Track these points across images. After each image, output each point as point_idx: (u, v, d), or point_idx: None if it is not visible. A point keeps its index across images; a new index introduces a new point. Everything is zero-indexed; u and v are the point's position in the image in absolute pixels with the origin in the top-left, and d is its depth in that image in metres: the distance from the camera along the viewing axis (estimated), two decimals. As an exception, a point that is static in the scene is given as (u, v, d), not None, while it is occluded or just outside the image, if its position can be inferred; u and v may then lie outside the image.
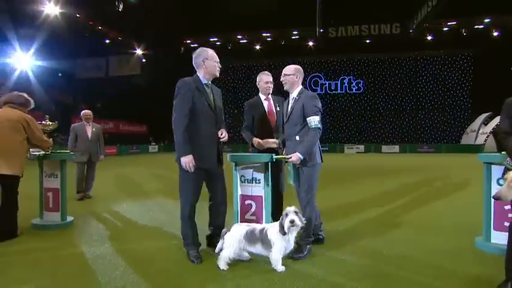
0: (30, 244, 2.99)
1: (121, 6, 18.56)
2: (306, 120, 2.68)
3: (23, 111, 3.30)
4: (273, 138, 3.21)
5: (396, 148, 26.77)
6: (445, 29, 25.51)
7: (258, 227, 2.54)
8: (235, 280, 2.21)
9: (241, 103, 32.31)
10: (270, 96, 3.37)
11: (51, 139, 3.52)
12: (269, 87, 3.32)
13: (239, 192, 2.90)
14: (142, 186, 6.97)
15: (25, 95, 3.44)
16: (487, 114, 25.97)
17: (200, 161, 2.55)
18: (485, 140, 25.74)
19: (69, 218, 3.71)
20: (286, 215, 2.37)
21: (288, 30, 26.38)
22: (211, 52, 2.69)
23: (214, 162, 2.67)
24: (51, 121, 3.77)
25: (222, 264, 2.39)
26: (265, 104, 3.35)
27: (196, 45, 28.65)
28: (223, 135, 2.66)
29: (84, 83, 26.08)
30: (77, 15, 19.75)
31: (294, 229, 2.35)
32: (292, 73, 2.82)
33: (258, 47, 28.90)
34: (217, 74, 2.73)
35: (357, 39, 26.24)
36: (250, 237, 2.45)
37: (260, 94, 3.38)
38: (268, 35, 27.22)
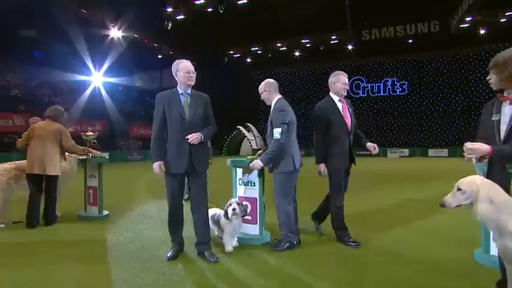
0: (75, 230, 3.89)
1: (170, 25, 21.10)
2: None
3: (59, 122, 4.18)
4: (349, 141, 3.20)
5: (445, 152, 25.10)
6: (502, 20, 23.24)
7: (217, 212, 3.17)
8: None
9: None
10: (343, 98, 3.31)
11: (89, 147, 4.49)
12: (346, 88, 3.26)
13: (238, 194, 3.33)
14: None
15: (61, 108, 4.32)
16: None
17: (171, 167, 2.77)
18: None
19: (105, 212, 4.55)
20: (230, 204, 2.99)
21: (326, 35, 26.68)
22: (182, 64, 2.82)
23: (184, 168, 2.76)
24: (92, 132, 4.81)
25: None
26: (340, 105, 3.24)
27: (239, 55, 30.58)
28: (191, 138, 2.72)
29: (141, 94, 29.60)
30: (135, 35, 22.84)
31: (235, 216, 2.97)
32: (262, 90, 3.16)
33: (297, 54, 29.68)
34: (190, 83, 2.82)
35: (398, 40, 25.42)
36: (213, 222, 3.14)
37: (332, 95, 3.27)
38: (307, 41, 27.82)
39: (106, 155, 4.73)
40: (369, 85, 30.74)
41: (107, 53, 21.41)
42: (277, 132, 2.94)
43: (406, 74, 29.58)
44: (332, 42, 27.36)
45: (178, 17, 22.01)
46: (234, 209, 2.96)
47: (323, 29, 25.32)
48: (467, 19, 22.71)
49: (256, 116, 33.25)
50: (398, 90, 30.06)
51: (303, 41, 27.83)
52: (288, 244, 3.07)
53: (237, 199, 3.13)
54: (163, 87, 30.44)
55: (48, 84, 20.43)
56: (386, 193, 6.86)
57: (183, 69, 2.81)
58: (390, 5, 21.70)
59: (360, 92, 30.86)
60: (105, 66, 21.97)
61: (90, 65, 21.56)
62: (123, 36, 21.41)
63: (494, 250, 2.58)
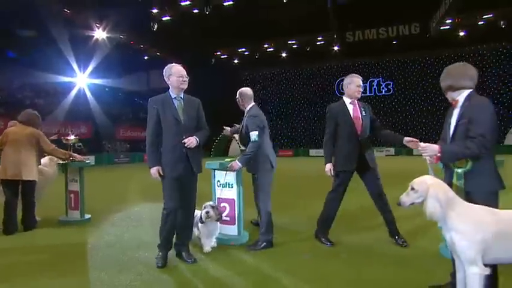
0: (54, 234, 3.94)
1: (156, 26, 20.97)
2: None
3: (35, 127, 4.10)
4: (358, 145, 3.17)
5: (429, 150, 25.76)
6: (480, 23, 24.14)
7: (197, 213, 3.14)
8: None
9: (271, 110, 33.49)
10: (356, 100, 3.29)
11: (71, 150, 4.47)
12: (360, 91, 3.26)
13: (217, 196, 3.44)
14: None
15: (35, 112, 4.23)
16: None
17: (169, 170, 2.77)
18: (532, 140, 23.79)
19: (87, 216, 4.52)
20: (205, 207, 3.07)
21: (312, 36, 27.02)
22: (175, 68, 2.84)
23: (181, 171, 2.78)
24: (74, 136, 4.76)
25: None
26: (351, 108, 3.24)
27: (226, 56, 30.61)
28: (188, 142, 2.75)
29: (128, 95, 29.28)
30: (121, 36, 22.59)
31: (209, 219, 3.05)
32: (237, 98, 3.44)
33: (284, 55, 29.93)
34: (183, 87, 2.85)
35: (381, 41, 26.07)
36: (195, 223, 3.15)
37: (345, 98, 3.29)
38: (294, 42, 28.09)
39: (89, 159, 4.64)
40: (355, 85, 31.25)
41: (92, 54, 21.11)
42: (254, 135, 3.13)
43: (391, 74, 30.25)
44: (318, 43, 27.71)
45: (164, 18, 21.89)
46: (207, 212, 3.04)
47: (309, 30, 25.65)
48: (448, 21, 23.48)
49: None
50: (383, 90, 30.70)
51: (289, 42, 28.09)
52: (265, 243, 3.20)
53: (211, 203, 3.19)
54: (151, 89, 30.26)
55: (31, 86, 19.99)
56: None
57: (176, 74, 2.82)
58: (372, 8, 22.26)
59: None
60: (90, 67, 21.67)
61: (75, 66, 21.20)
62: (108, 37, 21.14)
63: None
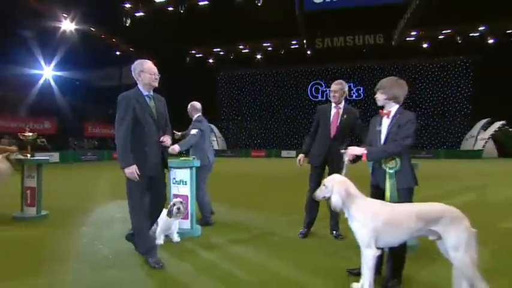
0: (5, 230, 3.97)
1: (128, 21, 20.52)
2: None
3: None
4: (329, 145, 3.46)
5: (394, 153, 27.18)
6: (441, 37, 26.01)
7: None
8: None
9: (245, 111, 33.78)
10: (340, 105, 3.53)
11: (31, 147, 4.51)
12: (333, 96, 3.52)
13: (172, 192, 3.66)
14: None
15: None
16: (485, 120, 26.12)
17: (145, 169, 2.68)
18: (484, 146, 25.86)
19: (44, 212, 4.48)
20: (174, 204, 3.26)
21: (287, 39, 27.64)
22: (147, 65, 2.75)
23: (159, 169, 2.82)
24: (31, 132, 4.67)
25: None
26: (333, 111, 3.53)
27: (201, 55, 30.50)
28: (165, 140, 2.79)
29: (99, 91, 28.34)
30: (91, 29, 21.86)
31: (179, 214, 3.27)
32: (188, 109, 4.33)
33: (259, 56, 30.33)
34: (155, 85, 2.78)
35: (349, 48, 27.44)
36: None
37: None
38: (269, 44, 28.56)
39: (29, 155, 4.55)
40: (328, 89, 32.19)
41: (59, 46, 20.20)
42: (194, 131, 4.05)
43: (361, 80, 31.53)
44: (292, 47, 28.37)
45: (137, 14, 21.47)
46: (178, 208, 3.25)
47: (283, 34, 26.22)
48: (413, 33, 25.07)
49: (219, 117, 33.40)
50: (354, 95, 31.92)
51: (264, 44, 28.53)
52: (205, 222, 4.06)
53: (179, 199, 3.38)
54: (123, 85, 29.45)
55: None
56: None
57: (148, 70, 2.73)
58: (338, 17, 23.37)
59: (319, 96, 32.30)
60: (56, 60, 20.75)
61: (40, 58, 20.24)
62: (77, 29, 20.36)
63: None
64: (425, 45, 26.83)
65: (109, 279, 2.49)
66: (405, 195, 2.23)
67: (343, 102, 3.58)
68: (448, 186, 8.09)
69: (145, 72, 2.72)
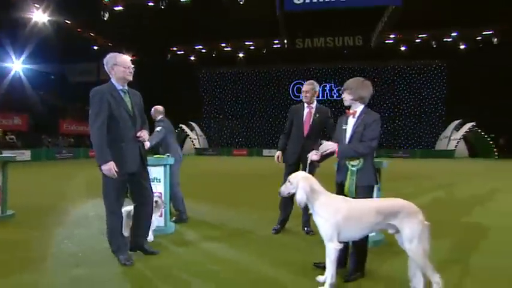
0: None
1: (106, 15, 19.93)
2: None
3: None
4: (302, 143, 3.54)
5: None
6: (417, 40, 27.02)
7: (128, 208, 3.15)
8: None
9: (227, 109, 33.65)
10: (312, 104, 3.62)
11: None
12: (305, 96, 3.60)
13: None
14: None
15: None
16: (458, 121, 27.39)
17: (124, 166, 2.62)
18: (456, 146, 27.12)
19: (10, 212, 4.33)
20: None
21: (268, 39, 27.79)
22: (121, 58, 2.68)
23: (138, 165, 2.74)
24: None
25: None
26: (306, 111, 3.62)
27: (182, 52, 30.10)
28: (142, 135, 2.74)
29: (76, 87, 27.36)
30: (66, 21, 21.04)
31: (157, 209, 3.28)
32: (151, 112, 4.38)
33: (241, 55, 30.31)
34: (129, 79, 2.72)
35: (330, 49, 28.00)
36: (129, 217, 3.07)
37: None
38: (251, 43, 28.60)
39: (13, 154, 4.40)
40: (309, 89, 32.73)
41: (30, 38, 19.29)
42: (158, 128, 4.25)
43: (342, 80, 31.86)
44: (274, 46, 28.55)
45: (116, 8, 20.88)
46: (156, 201, 3.19)
47: (265, 33, 26.34)
48: (391, 36, 25.89)
49: (200, 115, 33.10)
50: (335, 95, 32.52)
51: (246, 43, 28.54)
52: (179, 219, 4.13)
53: (158, 194, 3.39)
54: (101, 80, 28.57)
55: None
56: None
57: (122, 64, 2.66)
58: (319, 18, 23.80)
59: (301, 95, 32.49)
60: (27, 52, 19.82)
61: (9, 50, 19.27)
62: (50, 21, 19.50)
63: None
64: (403, 48, 27.78)
65: (79, 278, 2.45)
66: (365, 192, 2.35)
67: (315, 101, 3.68)
68: (422, 184, 8.45)
69: (119, 65, 2.65)
